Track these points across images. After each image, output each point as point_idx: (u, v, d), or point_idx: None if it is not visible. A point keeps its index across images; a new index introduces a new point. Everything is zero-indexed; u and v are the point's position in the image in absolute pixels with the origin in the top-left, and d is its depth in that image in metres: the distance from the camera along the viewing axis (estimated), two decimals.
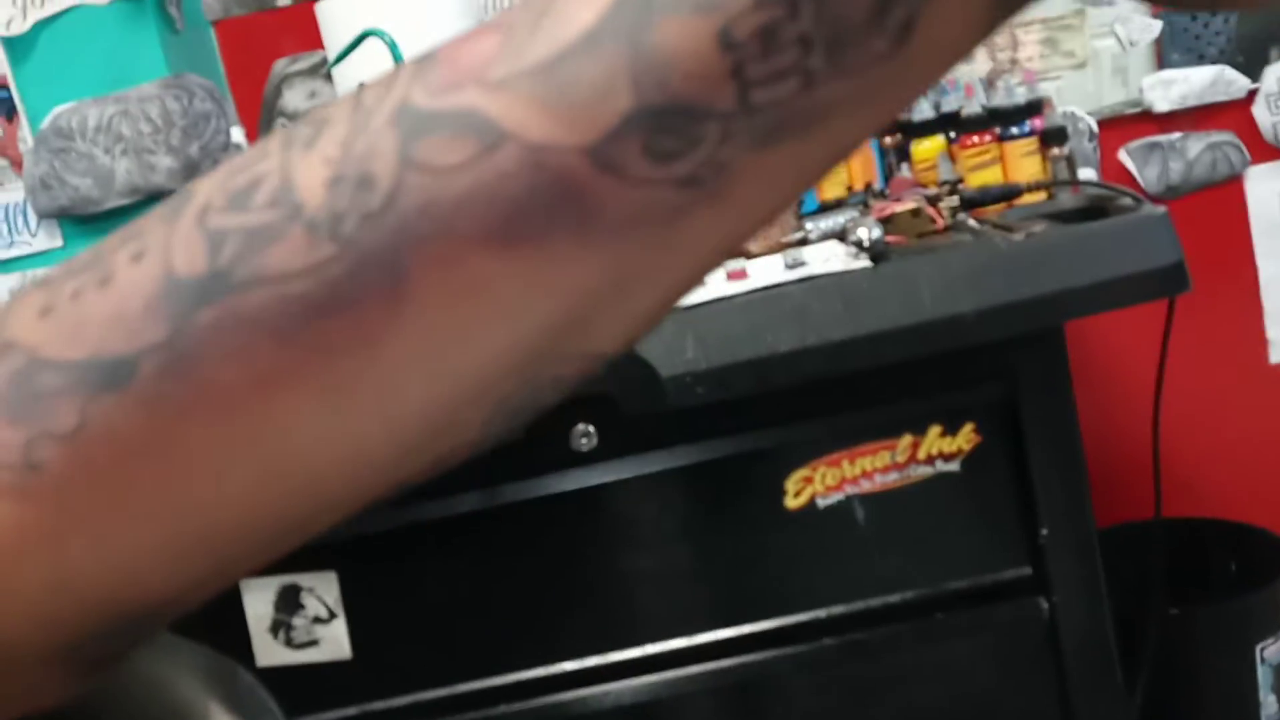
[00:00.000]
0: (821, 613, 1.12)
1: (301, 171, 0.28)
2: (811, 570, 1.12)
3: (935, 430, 1.10)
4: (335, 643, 1.14)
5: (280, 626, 1.14)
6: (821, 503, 1.10)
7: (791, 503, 1.10)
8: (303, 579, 1.13)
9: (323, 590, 1.13)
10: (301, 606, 1.14)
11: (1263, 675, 1.41)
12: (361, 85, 0.30)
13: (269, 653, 1.14)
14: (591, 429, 1.06)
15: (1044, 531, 1.08)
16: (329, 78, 1.65)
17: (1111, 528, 1.48)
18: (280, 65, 1.69)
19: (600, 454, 1.07)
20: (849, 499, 1.10)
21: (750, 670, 1.12)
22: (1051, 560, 1.09)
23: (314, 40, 1.58)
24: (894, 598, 1.12)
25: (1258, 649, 1.40)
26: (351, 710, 1.14)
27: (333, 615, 1.14)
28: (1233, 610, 1.41)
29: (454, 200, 0.28)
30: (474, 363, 0.29)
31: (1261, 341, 1.64)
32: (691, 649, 1.13)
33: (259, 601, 1.12)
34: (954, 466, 1.10)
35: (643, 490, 1.10)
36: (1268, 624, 1.41)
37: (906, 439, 1.10)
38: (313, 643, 1.14)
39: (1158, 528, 1.32)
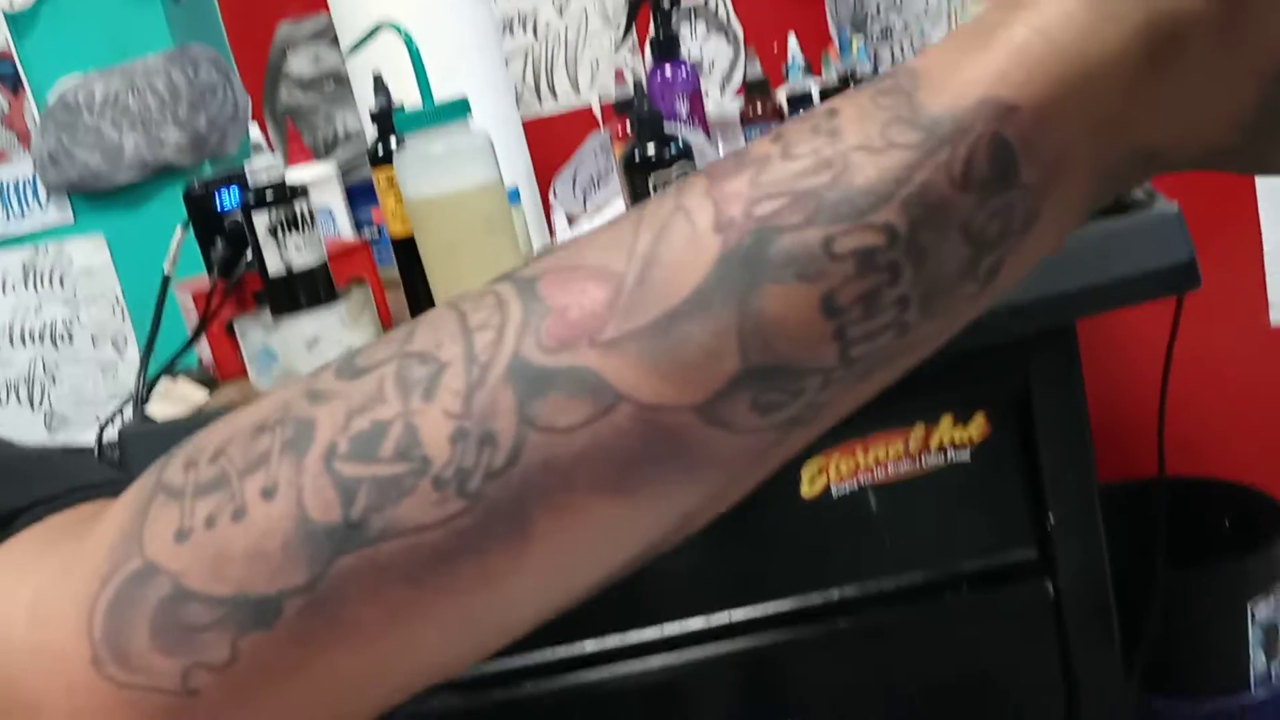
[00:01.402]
0: (835, 594, 1.16)
1: (425, 424, 0.29)
2: (826, 554, 1.16)
3: (947, 420, 1.12)
4: None
5: None
6: (836, 491, 1.13)
7: (807, 491, 1.13)
8: None
9: None
10: None
11: (1253, 634, 1.45)
12: (463, 305, 0.31)
13: None
14: None
15: (1051, 519, 1.12)
16: (335, 43, 1.64)
17: (1114, 484, 1.52)
18: (284, 30, 1.68)
19: None
20: (863, 487, 1.13)
21: (767, 650, 1.16)
22: (1058, 545, 1.13)
23: (316, 0, 1.57)
24: (905, 580, 1.16)
25: (1249, 608, 1.45)
26: None
27: None
28: (1228, 572, 1.45)
29: (573, 457, 0.29)
30: (587, 581, 0.32)
31: (1265, 305, 1.66)
32: (710, 629, 1.16)
33: None
34: (965, 456, 1.13)
35: None
36: (1260, 584, 1.45)
37: (919, 429, 1.12)
38: None
39: (1161, 488, 1.35)
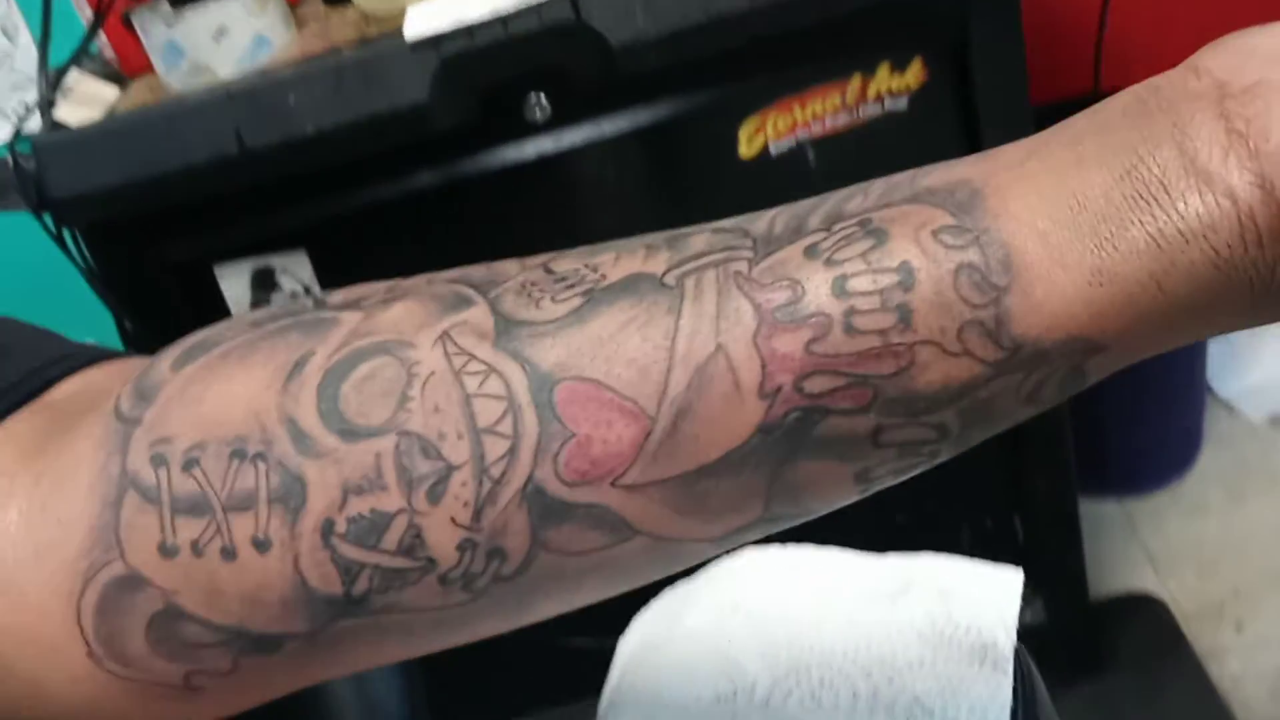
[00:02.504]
0: None
1: (430, 527, 0.28)
2: None
3: (884, 69, 1.10)
4: None
5: (261, 305, 1.18)
6: (774, 149, 1.13)
7: (745, 151, 1.13)
8: (274, 260, 1.15)
9: (295, 269, 1.16)
10: (277, 286, 1.17)
11: None
12: (464, 376, 0.29)
13: None
14: (544, 98, 1.05)
15: None
16: None
17: (1048, 104, 1.52)
18: None
19: (555, 123, 1.07)
20: (800, 144, 1.13)
21: None
22: None
23: None
24: None
25: None
26: None
27: (309, 290, 1.18)
28: None
29: (582, 572, 0.29)
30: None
31: None
32: None
33: (235, 285, 1.16)
34: (902, 105, 1.12)
35: (600, 155, 1.11)
36: None
37: (856, 80, 1.10)
38: None
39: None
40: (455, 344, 0.29)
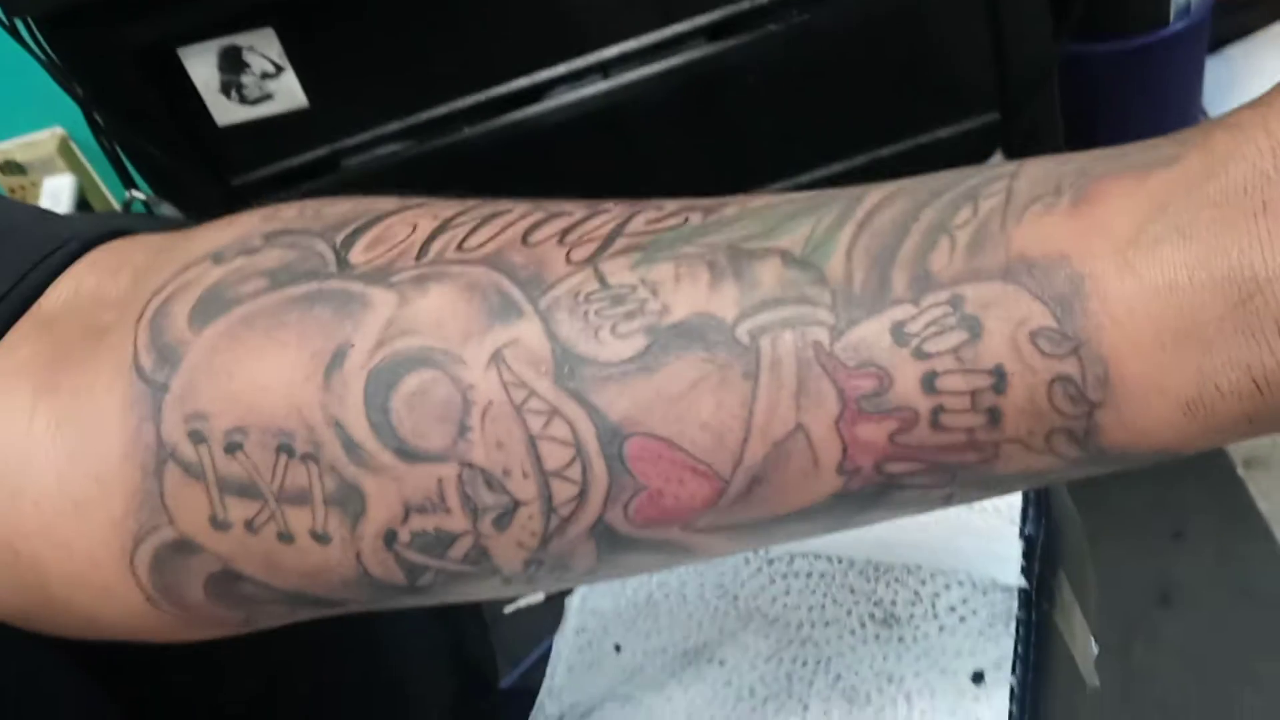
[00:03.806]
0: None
1: (497, 548, 0.29)
2: None
3: None
4: (289, 93, 1.14)
5: (230, 86, 1.13)
6: None
7: None
8: (239, 39, 1.10)
9: (263, 47, 1.11)
10: (246, 65, 1.12)
11: None
12: (528, 415, 0.28)
13: (226, 112, 1.15)
14: None
15: None
16: None
17: None
18: None
19: None
20: None
21: (701, 63, 1.15)
22: None
23: None
24: None
25: None
26: (322, 150, 1.19)
27: (280, 69, 1.13)
28: None
29: (637, 572, 0.33)
30: None
31: None
32: (640, 50, 1.15)
33: (202, 66, 1.11)
34: None
35: None
36: None
37: None
38: (267, 97, 1.15)
39: None
40: (511, 371, 0.28)
